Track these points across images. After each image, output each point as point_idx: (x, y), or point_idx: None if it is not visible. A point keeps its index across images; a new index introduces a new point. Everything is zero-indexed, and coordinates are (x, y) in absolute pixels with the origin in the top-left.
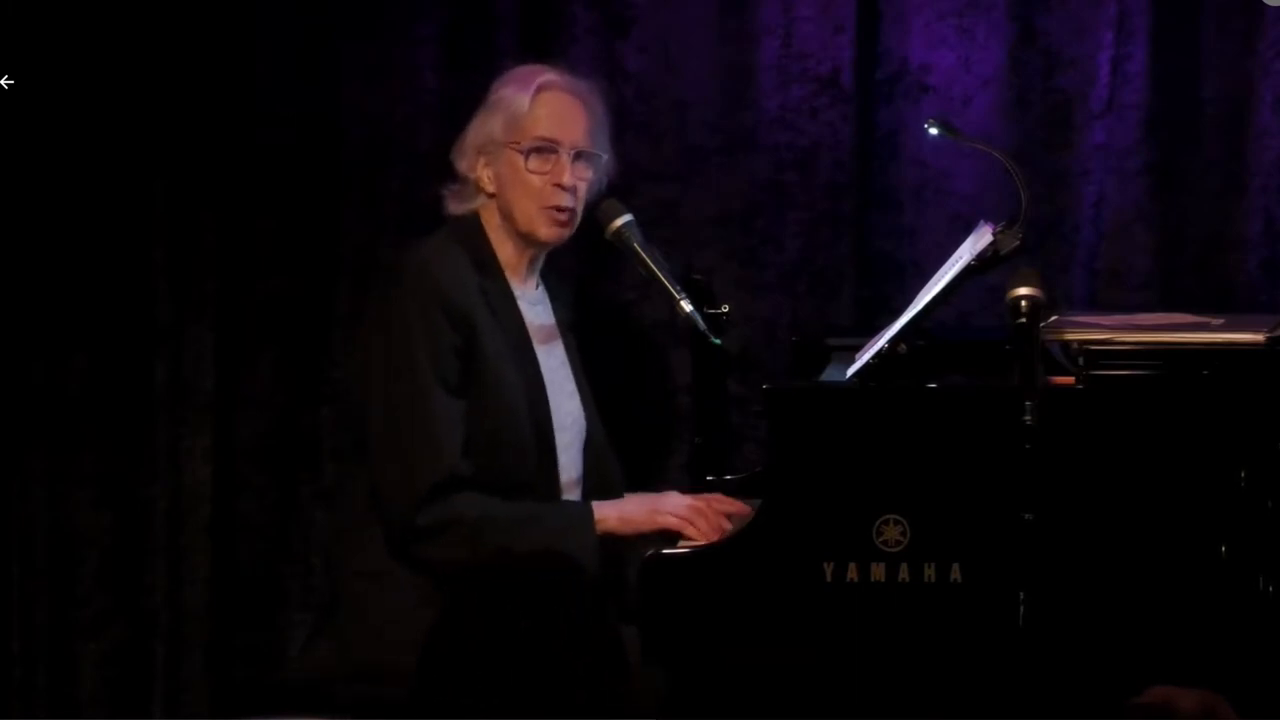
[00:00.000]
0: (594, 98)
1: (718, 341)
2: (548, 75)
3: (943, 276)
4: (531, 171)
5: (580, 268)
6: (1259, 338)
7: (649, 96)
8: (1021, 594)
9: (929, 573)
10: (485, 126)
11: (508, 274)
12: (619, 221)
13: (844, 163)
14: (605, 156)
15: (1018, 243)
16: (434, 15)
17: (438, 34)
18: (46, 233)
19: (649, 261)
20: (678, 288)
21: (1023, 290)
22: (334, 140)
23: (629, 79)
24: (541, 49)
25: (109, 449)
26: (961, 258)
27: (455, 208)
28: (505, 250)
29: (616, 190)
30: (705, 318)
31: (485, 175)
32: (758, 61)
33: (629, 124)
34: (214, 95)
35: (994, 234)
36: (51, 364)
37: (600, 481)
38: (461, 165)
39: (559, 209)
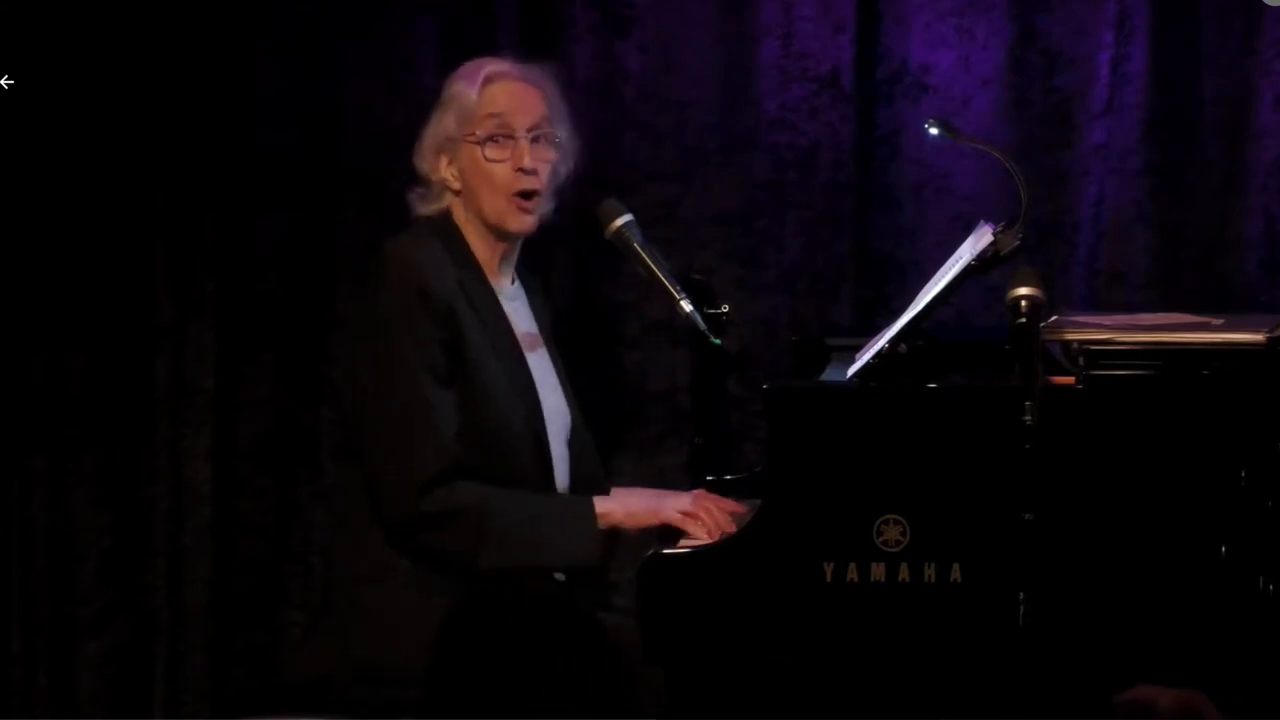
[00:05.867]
0: (545, 80)
1: (718, 341)
2: (494, 65)
3: (943, 276)
4: (490, 160)
5: (580, 268)
6: (1259, 338)
7: (649, 96)
8: (1021, 594)
9: (929, 573)
10: (440, 125)
11: (484, 268)
12: (619, 221)
13: (844, 163)
14: (563, 136)
15: (1018, 243)
16: (434, 15)
17: (438, 34)
18: (47, 232)
19: (649, 261)
20: (678, 288)
21: (1023, 290)
22: (334, 140)
23: (629, 79)
24: (542, 49)
25: (109, 449)
26: (961, 258)
27: (423, 209)
28: (478, 246)
29: (616, 190)
30: (705, 318)
31: (449, 174)
32: (758, 61)
33: (629, 124)
34: (214, 95)
35: (994, 234)
36: (51, 363)
37: (584, 480)
38: (424, 167)
39: (524, 194)
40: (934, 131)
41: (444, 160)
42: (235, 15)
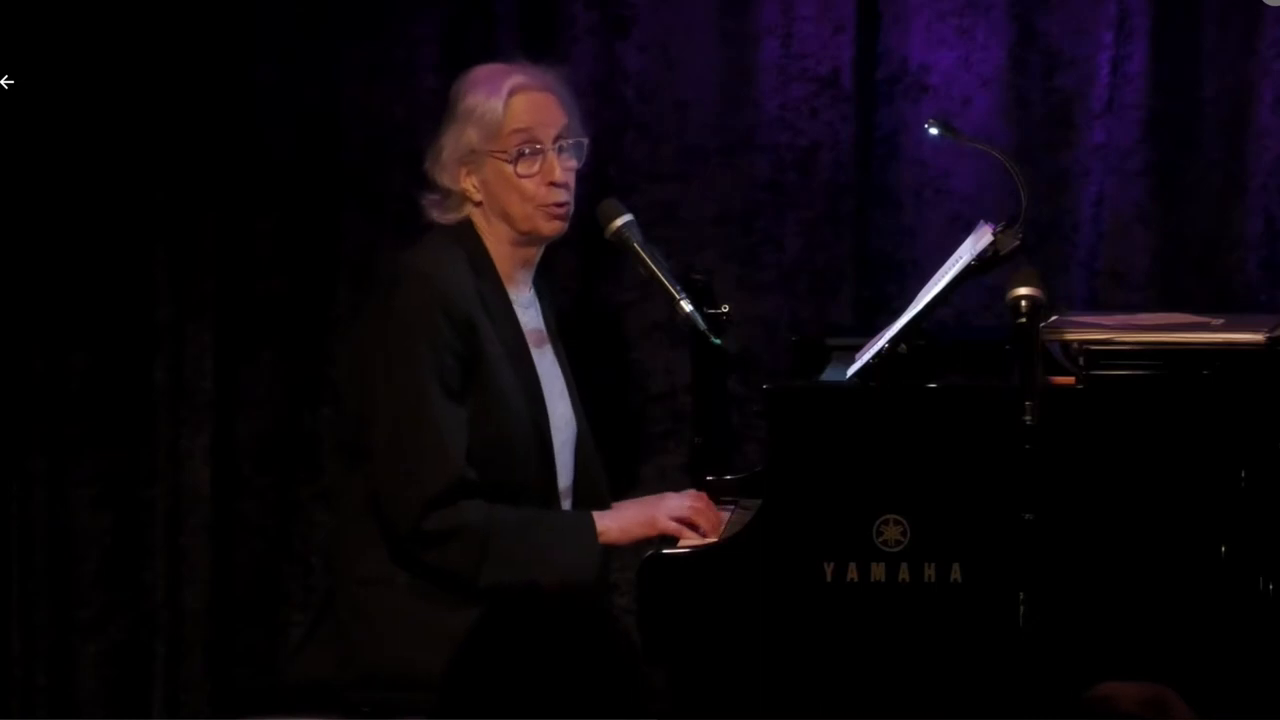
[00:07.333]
0: (562, 85)
1: (718, 341)
2: (516, 76)
3: (943, 276)
4: (522, 176)
5: (580, 268)
6: (1259, 338)
7: (649, 96)
8: (1021, 594)
9: (929, 573)
10: (461, 137)
11: (502, 277)
12: (619, 221)
13: (844, 163)
14: (586, 141)
15: (1018, 243)
16: (434, 15)
17: (438, 34)
18: (47, 233)
19: (649, 261)
20: (678, 288)
21: (1023, 290)
22: (334, 140)
23: (629, 79)
24: (541, 49)
25: (109, 449)
26: (961, 258)
27: (441, 217)
28: (498, 254)
29: (616, 190)
30: (705, 318)
31: (470, 185)
32: (758, 61)
33: (629, 124)
34: (214, 96)
35: (994, 234)
36: (51, 363)
37: (586, 487)
38: (443, 179)
39: (556, 204)
40: (934, 131)
41: (464, 171)
42: (235, 15)
